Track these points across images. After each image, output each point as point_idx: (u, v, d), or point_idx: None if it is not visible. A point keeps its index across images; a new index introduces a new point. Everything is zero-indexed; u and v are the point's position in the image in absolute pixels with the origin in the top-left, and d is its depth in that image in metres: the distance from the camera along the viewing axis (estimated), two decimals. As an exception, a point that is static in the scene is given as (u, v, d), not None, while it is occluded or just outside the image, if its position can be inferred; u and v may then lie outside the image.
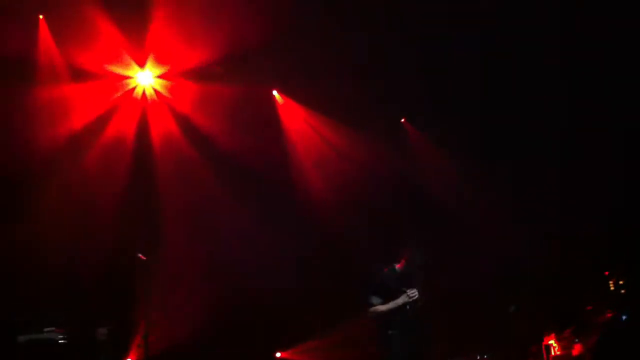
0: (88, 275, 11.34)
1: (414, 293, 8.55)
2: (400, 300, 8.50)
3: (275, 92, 13.37)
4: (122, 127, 12.19)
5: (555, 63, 12.76)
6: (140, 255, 10.46)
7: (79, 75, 11.52)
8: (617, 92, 12.57)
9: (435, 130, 13.93)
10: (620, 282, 12.24)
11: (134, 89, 12.26)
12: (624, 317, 11.55)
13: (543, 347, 12.23)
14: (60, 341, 9.85)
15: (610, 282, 12.31)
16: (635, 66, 12.24)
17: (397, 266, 8.94)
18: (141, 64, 11.96)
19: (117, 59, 11.57)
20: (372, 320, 8.86)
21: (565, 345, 12.09)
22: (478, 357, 11.56)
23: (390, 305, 8.52)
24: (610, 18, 11.87)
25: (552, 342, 12.22)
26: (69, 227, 11.41)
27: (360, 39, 12.20)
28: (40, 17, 11.20)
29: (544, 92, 13.02)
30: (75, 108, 11.66)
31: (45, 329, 9.78)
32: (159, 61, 11.96)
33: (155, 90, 12.37)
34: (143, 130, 12.40)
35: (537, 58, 12.83)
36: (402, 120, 14.30)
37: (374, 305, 8.58)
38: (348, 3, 11.83)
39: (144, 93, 12.34)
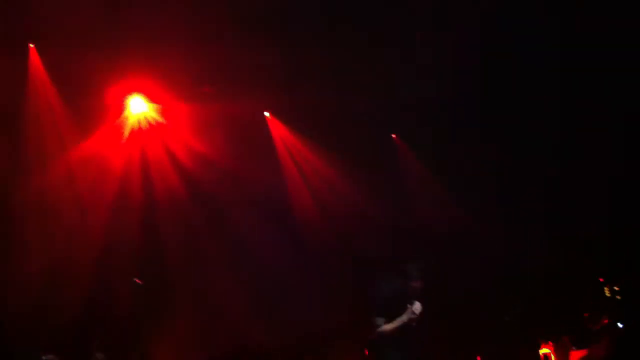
0: (84, 300, 11.44)
1: (417, 307, 8.18)
2: (405, 316, 8.12)
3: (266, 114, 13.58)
4: (116, 154, 12.26)
5: (554, 63, 12.68)
6: (136, 279, 10.57)
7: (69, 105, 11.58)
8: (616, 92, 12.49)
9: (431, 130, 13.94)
10: (616, 289, 12.25)
11: (127, 117, 12.34)
12: (620, 325, 11.65)
13: (541, 355, 12.32)
14: (60, 369, 9.98)
15: (606, 288, 12.33)
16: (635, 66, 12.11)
17: (397, 280, 8.44)
18: (133, 92, 12.06)
19: (108, 88, 11.62)
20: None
21: (562, 353, 12.17)
22: None
23: (396, 323, 8.12)
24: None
25: (548, 350, 12.31)
26: (63, 249, 11.48)
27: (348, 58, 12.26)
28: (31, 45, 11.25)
29: (542, 92, 12.96)
30: (66, 138, 11.70)
31: (44, 357, 9.88)
32: (151, 87, 12.04)
33: (148, 119, 12.44)
34: (138, 156, 12.52)
35: (534, 58, 12.75)
36: (393, 136, 14.45)
37: (380, 326, 8.16)
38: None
39: (138, 122, 12.41)
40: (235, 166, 12.98)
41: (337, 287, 13.40)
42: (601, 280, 12.36)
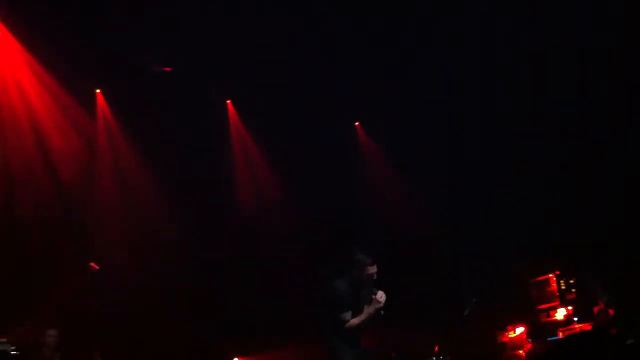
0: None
1: (381, 295, 7.80)
2: (372, 308, 7.75)
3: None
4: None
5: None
6: (92, 264, 10.42)
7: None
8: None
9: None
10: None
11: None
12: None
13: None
14: (12, 352, 9.80)
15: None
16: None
17: (350, 273, 7.97)
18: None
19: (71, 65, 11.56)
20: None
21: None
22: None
23: (364, 315, 7.77)
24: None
25: None
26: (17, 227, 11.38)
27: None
28: None
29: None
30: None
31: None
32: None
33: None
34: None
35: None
36: (356, 123, 14.46)
37: (347, 321, 7.77)
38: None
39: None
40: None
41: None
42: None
